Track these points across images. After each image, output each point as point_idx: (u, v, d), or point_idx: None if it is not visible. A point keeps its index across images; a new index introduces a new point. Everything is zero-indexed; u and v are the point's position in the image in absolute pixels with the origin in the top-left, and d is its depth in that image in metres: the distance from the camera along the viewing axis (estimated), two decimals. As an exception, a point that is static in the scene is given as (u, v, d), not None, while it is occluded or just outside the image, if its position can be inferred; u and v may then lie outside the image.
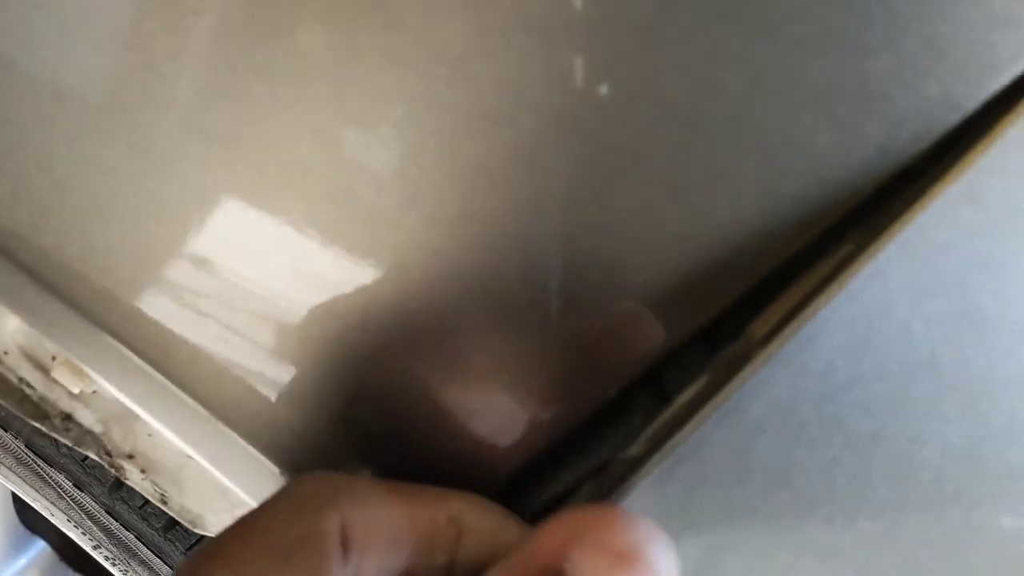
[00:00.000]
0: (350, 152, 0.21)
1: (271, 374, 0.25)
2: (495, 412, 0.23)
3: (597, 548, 0.17)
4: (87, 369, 0.26)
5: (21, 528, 0.77)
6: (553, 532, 0.18)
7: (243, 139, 0.22)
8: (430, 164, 0.21)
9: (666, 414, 0.21)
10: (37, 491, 0.49)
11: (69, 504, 0.49)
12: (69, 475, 0.47)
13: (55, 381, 0.29)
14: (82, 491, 0.47)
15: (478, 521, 0.22)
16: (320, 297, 0.23)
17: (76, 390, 0.28)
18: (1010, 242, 0.18)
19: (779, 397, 0.20)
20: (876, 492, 0.21)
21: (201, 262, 0.24)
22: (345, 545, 0.20)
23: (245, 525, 0.20)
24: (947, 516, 0.21)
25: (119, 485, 0.46)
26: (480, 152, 0.20)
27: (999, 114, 0.18)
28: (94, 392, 0.30)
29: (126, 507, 0.47)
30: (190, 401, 0.26)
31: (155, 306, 0.25)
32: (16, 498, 0.71)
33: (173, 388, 0.26)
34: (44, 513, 0.51)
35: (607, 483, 0.22)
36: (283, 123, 0.21)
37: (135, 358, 0.26)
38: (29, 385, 0.31)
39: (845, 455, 0.20)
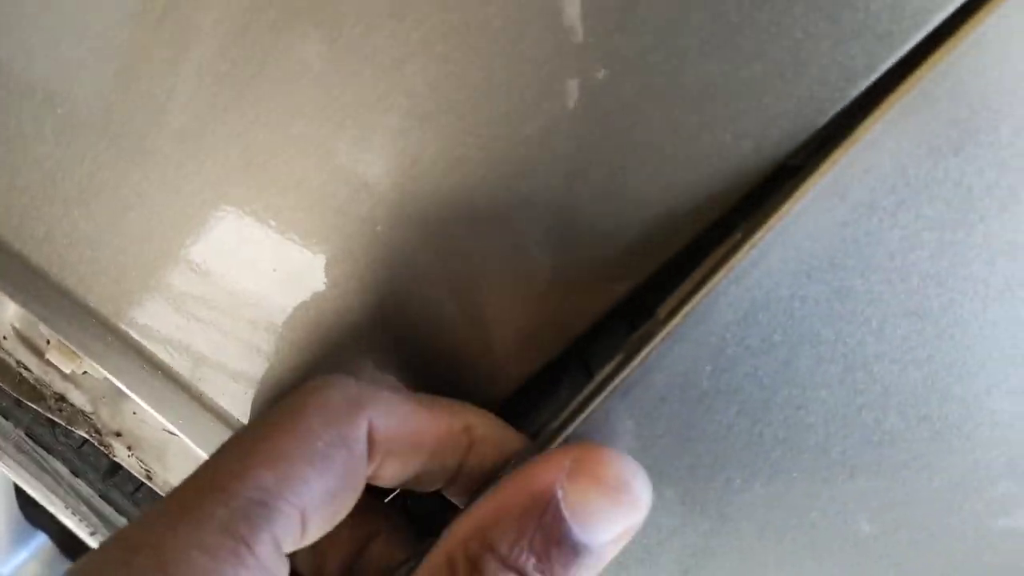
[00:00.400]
0: (344, 161, 0.23)
1: (257, 369, 0.28)
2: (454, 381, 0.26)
3: (588, 478, 0.19)
4: (77, 350, 0.28)
5: (23, 522, 0.79)
6: (549, 462, 0.19)
7: (239, 147, 0.24)
8: (423, 174, 0.23)
9: (586, 388, 0.24)
10: (36, 478, 0.52)
11: (67, 491, 0.52)
12: (66, 462, 0.50)
13: (49, 363, 0.32)
14: (78, 477, 0.49)
15: (488, 431, 0.23)
16: (311, 301, 0.26)
17: (68, 370, 0.31)
18: (871, 229, 0.21)
19: (679, 370, 0.22)
20: (769, 456, 0.23)
21: (195, 267, 0.26)
22: (370, 447, 0.21)
23: (280, 428, 0.20)
24: (833, 479, 0.23)
25: (112, 472, 0.48)
26: (472, 165, 0.23)
27: (860, 117, 0.20)
28: (84, 373, 0.32)
29: (119, 493, 0.50)
30: (173, 378, 0.29)
31: (148, 309, 0.27)
32: (18, 493, 0.74)
33: (158, 367, 0.29)
34: (43, 501, 0.54)
35: (535, 449, 0.24)
36: (278, 132, 0.23)
37: (122, 338, 0.28)
38: (25, 368, 0.34)
39: (739, 421, 0.23)
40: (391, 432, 0.22)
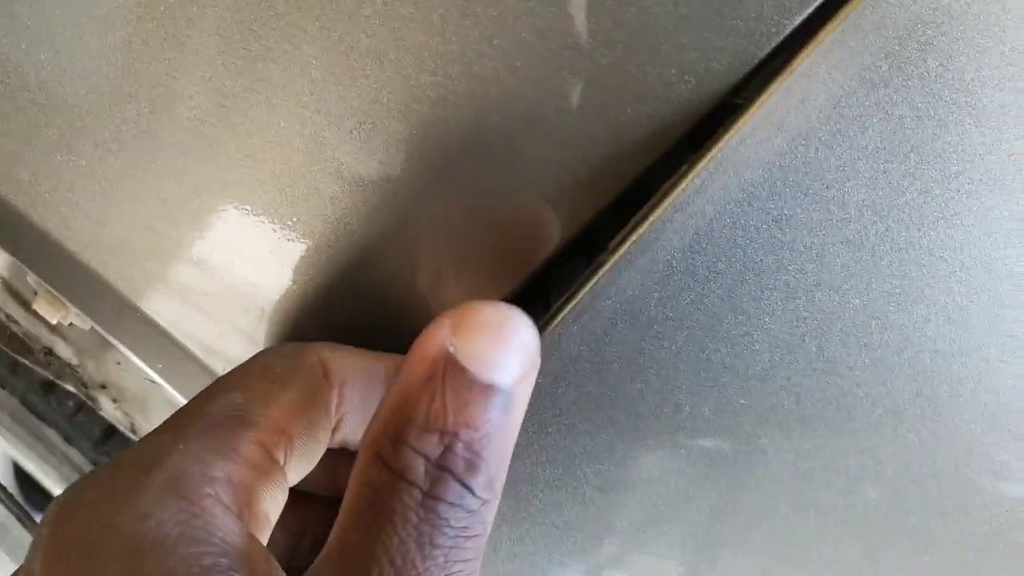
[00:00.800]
0: (331, 138, 0.24)
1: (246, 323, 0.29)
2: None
3: (471, 327, 0.20)
4: (61, 296, 0.30)
5: (25, 504, 0.81)
6: (430, 331, 0.20)
7: (224, 129, 0.25)
8: (421, 171, 0.24)
9: (545, 316, 0.25)
10: (30, 448, 0.53)
11: (60, 460, 0.53)
12: (59, 430, 0.51)
13: (36, 315, 0.33)
14: (71, 445, 0.51)
15: None
16: (296, 273, 0.27)
17: (54, 321, 0.32)
18: (808, 159, 0.22)
19: (627, 296, 0.23)
20: (717, 382, 0.24)
21: (185, 246, 0.27)
22: (326, 376, 0.23)
23: (241, 367, 0.23)
24: (780, 405, 0.24)
25: (104, 439, 0.50)
26: (468, 163, 0.24)
27: (792, 53, 0.21)
28: (71, 325, 0.33)
29: (110, 460, 0.51)
30: (154, 326, 0.30)
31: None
32: (18, 475, 0.75)
33: (141, 313, 0.30)
34: (37, 474, 0.55)
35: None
36: (260, 115, 0.24)
37: (105, 285, 0.29)
38: (14, 321, 0.35)
39: (687, 348, 0.24)
40: (342, 362, 0.24)
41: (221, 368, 0.30)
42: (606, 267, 0.23)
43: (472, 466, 0.19)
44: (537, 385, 0.24)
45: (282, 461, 0.21)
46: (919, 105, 0.22)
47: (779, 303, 0.23)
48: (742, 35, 0.22)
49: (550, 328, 0.24)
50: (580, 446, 0.25)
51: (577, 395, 0.24)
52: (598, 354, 0.24)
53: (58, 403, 0.51)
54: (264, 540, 0.20)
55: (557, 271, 0.26)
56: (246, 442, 0.20)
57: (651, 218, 0.23)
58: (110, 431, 0.49)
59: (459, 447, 0.19)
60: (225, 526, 0.18)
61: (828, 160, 0.22)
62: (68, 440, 0.53)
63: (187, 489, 0.18)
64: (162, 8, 0.24)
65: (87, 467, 0.53)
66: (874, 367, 0.24)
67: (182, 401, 0.32)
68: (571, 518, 0.27)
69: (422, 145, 0.24)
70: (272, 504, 0.20)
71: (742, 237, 0.23)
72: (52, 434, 0.52)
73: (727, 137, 0.22)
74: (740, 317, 0.23)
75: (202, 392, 0.22)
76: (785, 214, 0.22)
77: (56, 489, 0.56)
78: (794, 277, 0.23)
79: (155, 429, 0.21)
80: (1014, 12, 0.21)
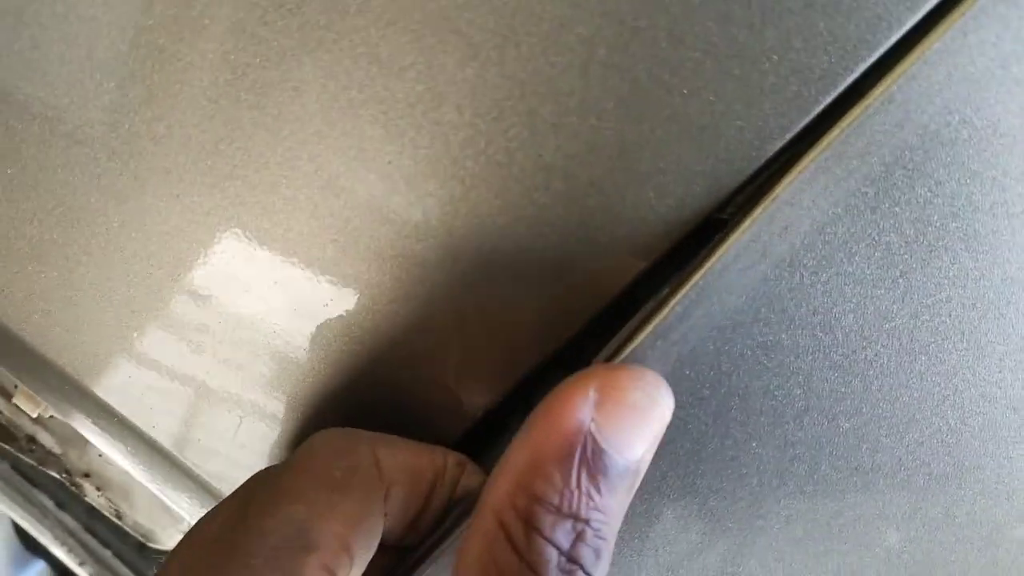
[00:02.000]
0: (350, 186, 0.23)
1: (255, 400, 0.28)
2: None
3: (617, 405, 0.18)
4: (37, 397, 0.29)
5: (21, 550, 0.81)
6: (572, 398, 0.18)
7: (242, 173, 0.24)
8: (430, 200, 0.23)
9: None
10: (25, 511, 0.53)
11: (53, 523, 0.53)
12: (51, 495, 0.51)
13: (17, 407, 0.33)
14: (63, 510, 0.50)
15: (472, 467, 0.24)
16: (319, 330, 0.26)
17: (34, 414, 0.31)
18: (793, 286, 0.21)
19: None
20: (704, 506, 0.23)
21: (161, 349, 0.27)
22: (380, 477, 0.22)
23: (297, 467, 0.21)
24: (768, 529, 0.24)
25: (95, 508, 0.49)
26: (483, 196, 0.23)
27: (775, 178, 0.21)
28: (51, 417, 0.33)
29: (103, 525, 0.51)
30: (129, 426, 0.30)
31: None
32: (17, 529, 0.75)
33: (118, 416, 0.30)
34: (33, 532, 0.55)
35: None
36: (283, 157, 0.23)
37: (79, 387, 0.29)
38: None
39: (673, 471, 0.23)
40: (394, 461, 0.23)
41: (203, 471, 0.30)
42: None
43: (599, 555, 0.18)
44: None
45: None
46: (907, 231, 0.21)
47: (766, 427, 0.23)
48: (721, 159, 0.21)
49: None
50: None
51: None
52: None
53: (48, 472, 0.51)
54: None
55: (539, 380, 0.25)
56: (312, 569, 0.19)
57: (631, 346, 0.22)
58: None
59: (589, 535, 0.18)
60: None
61: (814, 287, 0.21)
62: (60, 505, 0.52)
63: None
64: (127, 126, 0.24)
65: (80, 532, 0.53)
66: (866, 489, 0.23)
67: (163, 498, 0.32)
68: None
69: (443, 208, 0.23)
70: None
71: (727, 363, 0.22)
72: (45, 499, 0.52)
73: (709, 263, 0.21)
74: (727, 442, 0.23)
75: (262, 499, 0.21)
76: (771, 340, 0.22)
77: (52, 547, 0.56)
78: (781, 402, 0.22)
79: (214, 541, 0.20)
80: (1006, 137, 0.20)
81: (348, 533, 0.20)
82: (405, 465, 0.23)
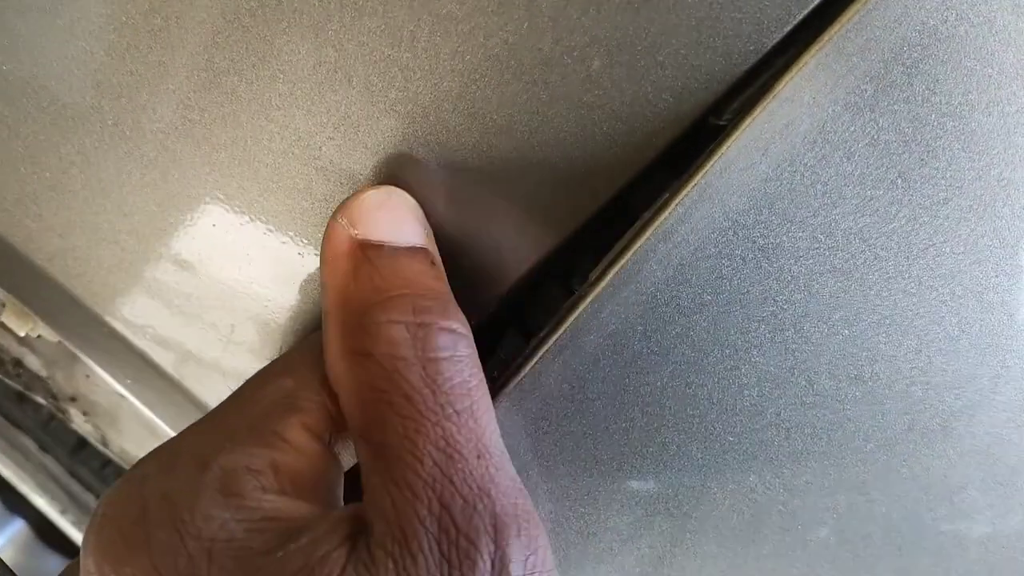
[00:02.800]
0: (300, 153, 0.23)
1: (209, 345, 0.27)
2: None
3: (366, 211, 0.21)
4: (28, 310, 0.28)
5: (1, 508, 0.79)
6: (334, 230, 0.21)
7: (227, 142, 0.24)
8: (362, 168, 0.23)
9: (526, 351, 0.24)
10: (6, 455, 0.52)
11: (36, 467, 0.52)
12: (34, 437, 0.50)
13: (3, 326, 0.32)
14: (46, 452, 0.49)
15: None
16: (301, 298, 0.26)
17: (22, 333, 0.30)
18: (794, 185, 0.21)
19: (610, 330, 0.22)
20: (704, 419, 0.23)
21: (151, 258, 0.26)
22: None
23: (296, 350, 0.23)
24: (770, 441, 0.23)
25: (79, 448, 0.49)
26: (414, 162, 0.23)
27: (775, 76, 0.21)
28: (39, 337, 0.32)
29: (86, 469, 0.50)
30: (121, 339, 0.28)
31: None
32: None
33: (108, 327, 0.28)
34: (13, 480, 0.54)
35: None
36: (267, 127, 0.23)
37: (72, 298, 0.28)
38: None
39: (673, 383, 0.23)
40: None
41: (192, 382, 0.29)
42: (587, 300, 0.22)
43: (445, 311, 0.20)
44: (516, 425, 0.23)
45: (330, 442, 0.21)
46: (906, 130, 0.21)
47: (766, 335, 0.22)
48: (719, 53, 0.21)
49: (530, 365, 0.23)
50: (561, 488, 0.24)
51: (559, 435, 0.23)
52: (580, 391, 0.23)
53: (33, 410, 0.50)
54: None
55: (531, 296, 0.25)
56: (291, 428, 0.20)
57: (633, 248, 0.22)
58: (84, 440, 0.47)
59: (426, 302, 0.20)
60: (275, 512, 0.18)
61: (814, 186, 0.21)
62: (43, 448, 0.51)
63: (236, 484, 0.18)
64: (125, 19, 0.23)
65: (63, 476, 0.51)
66: (865, 400, 0.23)
67: (151, 416, 0.31)
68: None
69: (392, 162, 0.23)
70: (326, 482, 0.20)
71: (727, 267, 0.22)
72: (27, 442, 0.50)
73: (710, 163, 0.21)
74: (727, 350, 0.22)
75: (258, 374, 0.22)
76: (771, 243, 0.22)
77: (33, 495, 0.54)
78: (781, 308, 0.22)
79: (208, 416, 0.21)
80: (1001, 34, 0.20)
81: (334, 402, 0.21)
82: None
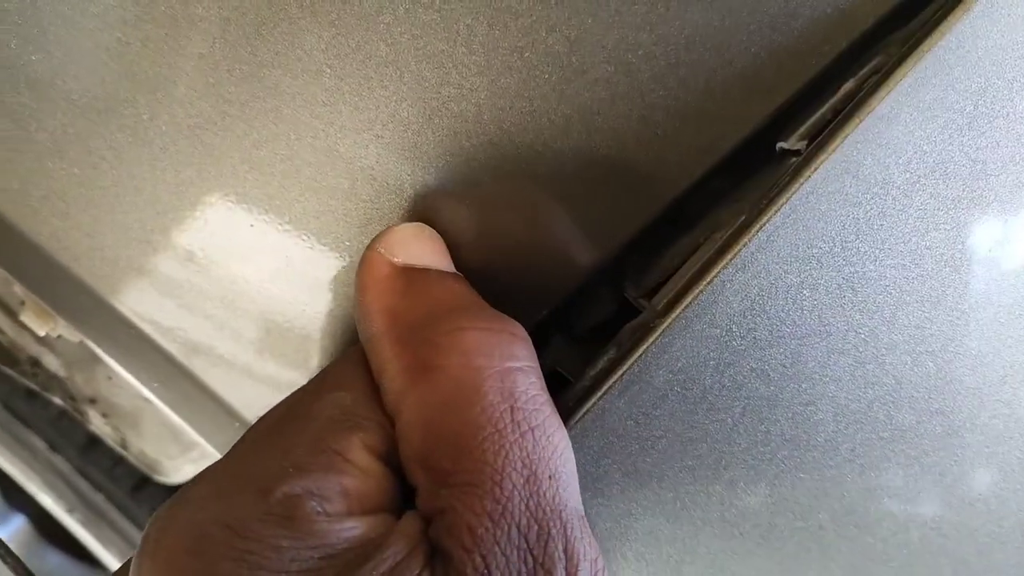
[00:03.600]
0: (345, 152, 0.22)
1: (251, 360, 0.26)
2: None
3: (394, 241, 0.21)
4: (50, 309, 0.26)
5: (2, 504, 0.78)
6: (372, 265, 0.21)
7: (268, 138, 0.22)
8: (440, 189, 0.21)
9: (576, 387, 0.22)
10: (14, 453, 0.50)
11: (43, 465, 0.51)
12: (43, 436, 0.48)
13: (23, 325, 0.30)
14: (55, 452, 0.48)
15: None
16: (338, 304, 0.24)
17: (42, 333, 0.28)
18: (885, 210, 0.19)
19: (680, 365, 0.21)
20: (775, 456, 0.22)
21: (183, 258, 0.24)
22: None
23: (348, 357, 0.21)
24: (843, 477, 0.22)
25: (89, 447, 0.47)
26: (466, 161, 0.21)
27: (870, 91, 0.19)
28: (59, 336, 0.30)
29: (96, 468, 0.48)
30: (148, 341, 0.26)
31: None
32: (-2, 475, 0.70)
33: (135, 330, 0.26)
34: (20, 478, 0.52)
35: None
36: (311, 123, 0.21)
37: (96, 299, 0.26)
38: (1, 331, 0.31)
39: (744, 420, 0.21)
40: None
41: (223, 388, 0.27)
42: (657, 332, 0.20)
43: (510, 322, 0.20)
44: (578, 463, 0.21)
45: (388, 461, 0.20)
46: (1004, 149, 0.19)
47: (846, 369, 0.21)
48: (792, 54, 0.19)
49: (592, 400, 0.21)
50: (622, 527, 0.22)
51: (621, 474, 0.22)
52: (646, 429, 0.21)
53: (42, 407, 0.48)
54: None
55: (577, 296, 0.23)
56: (354, 448, 0.19)
57: (708, 276, 0.20)
58: (95, 438, 0.45)
59: (489, 312, 0.20)
60: (345, 537, 0.17)
61: (907, 211, 0.20)
62: (52, 447, 0.49)
63: (302, 511, 0.17)
64: (163, 7, 0.21)
65: (72, 475, 0.49)
66: (946, 435, 0.22)
67: (176, 420, 0.29)
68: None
69: (442, 162, 0.21)
70: (391, 501, 0.19)
71: (810, 298, 0.20)
72: (36, 440, 0.48)
73: (795, 185, 0.19)
74: (803, 385, 0.21)
75: (310, 387, 0.21)
76: (858, 271, 0.20)
77: (39, 494, 0.52)
78: (864, 340, 0.21)
79: (262, 433, 0.20)
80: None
81: (391, 422, 0.20)
82: None
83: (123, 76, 0.22)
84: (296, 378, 0.26)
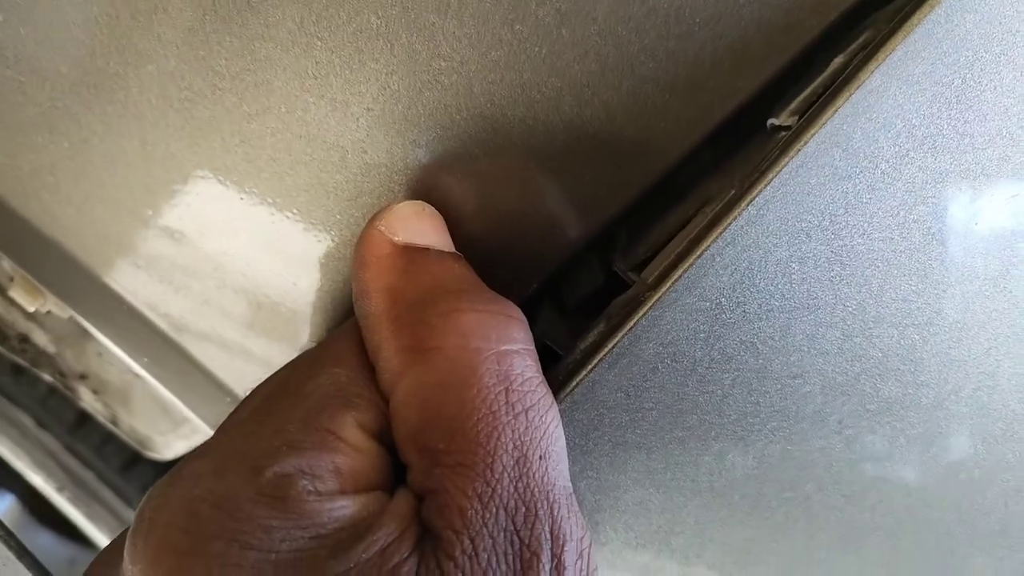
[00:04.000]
0: (336, 125, 0.22)
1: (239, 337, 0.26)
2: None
3: (401, 220, 0.21)
4: (39, 285, 0.26)
5: None
6: (372, 239, 0.20)
7: (259, 111, 0.22)
8: (430, 162, 0.21)
9: (566, 360, 0.22)
10: (2, 431, 0.50)
11: (32, 444, 0.50)
12: (31, 414, 0.48)
13: (11, 301, 0.29)
14: (44, 429, 0.47)
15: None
16: (328, 280, 0.24)
17: (31, 309, 0.28)
18: (874, 183, 0.19)
19: (670, 338, 0.21)
20: (764, 427, 0.22)
21: (173, 233, 0.24)
22: None
23: (340, 336, 0.21)
24: (831, 448, 0.22)
25: (78, 425, 0.47)
26: (457, 135, 0.21)
27: (862, 63, 0.19)
28: (48, 312, 0.30)
29: (85, 446, 0.48)
30: (139, 317, 0.26)
31: (125, 279, 0.25)
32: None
33: (126, 304, 0.26)
34: (9, 456, 0.52)
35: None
36: (302, 96, 0.21)
37: (87, 275, 0.26)
38: None
39: (734, 392, 0.21)
40: None
41: (213, 363, 0.27)
42: (647, 306, 0.20)
43: (508, 304, 0.20)
44: (567, 436, 0.22)
45: (380, 439, 0.20)
46: (991, 123, 0.19)
47: (835, 342, 0.21)
48: (781, 28, 0.19)
49: (583, 373, 0.21)
50: (611, 499, 0.23)
51: (611, 446, 0.22)
52: (636, 401, 0.21)
53: (30, 385, 0.48)
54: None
55: (568, 270, 0.23)
56: (347, 426, 0.19)
57: (698, 250, 0.20)
58: (84, 416, 0.45)
59: (488, 294, 0.20)
60: (336, 516, 0.17)
61: (895, 184, 0.20)
62: (41, 424, 0.49)
63: (294, 490, 0.17)
64: None
65: (61, 453, 0.49)
66: (934, 407, 0.22)
67: (168, 396, 0.29)
68: None
69: (432, 135, 0.21)
70: (383, 479, 0.19)
71: (799, 271, 0.20)
72: (25, 418, 0.48)
73: (785, 159, 0.19)
74: (792, 357, 0.21)
75: (305, 362, 0.21)
76: (847, 245, 0.20)
77: (28, 472, 0.52)
78: (852, 313, 0.21)
79: (256, 409, 0.20)
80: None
81: (385, 400, 0.20)
82: None
83: (113, 50, 0.21)
84: (286, 352, 0.26)
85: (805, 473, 0.23)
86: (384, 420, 0.20)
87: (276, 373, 0.21)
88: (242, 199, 0.23)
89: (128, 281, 0.25)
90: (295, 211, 0.23)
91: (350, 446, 0.18)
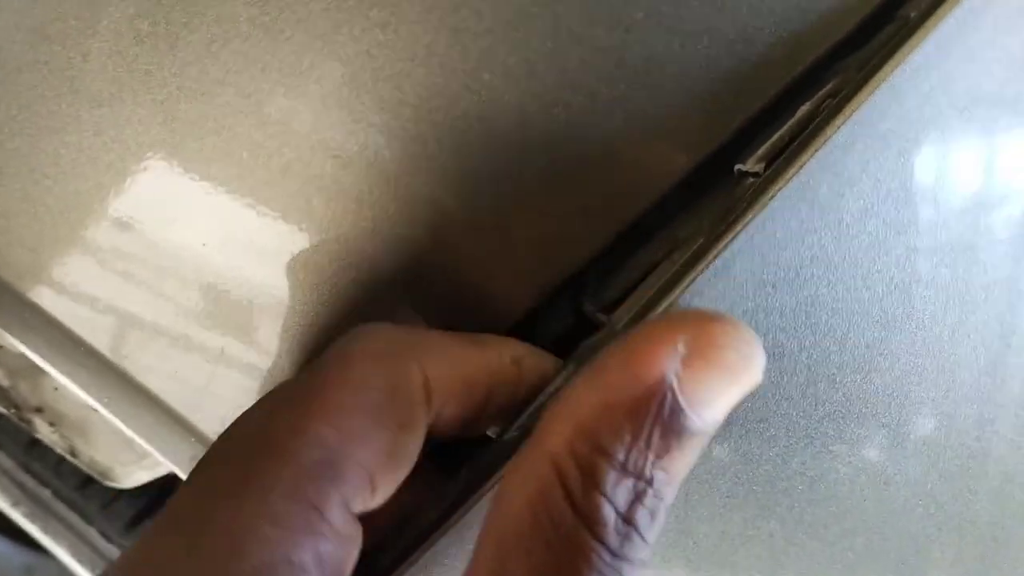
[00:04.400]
0: (278, 115, 0.21)
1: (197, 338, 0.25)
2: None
3: (707, 364, 0.16)
4: None
5: None
6: (657, 346, 0.16)
7: (170, 95, 0.21)
8: (357, 129, 0.21)
9: (536, 402, 0.22)
10: None
11: None
12: None
13: None
14: None
15: (536, 362, 0.22)
16: (249, 261, 0.23)
17: None
18: (839, 236, 0.20)
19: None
20: (727, 472, 0.22)
21: (124, 224, 0.23)
22: (427, 394, 0.20)
23: (332, 381, 0.19)
24: (792, 490, 0.23)
25: (34, 443, 0.46)
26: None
27: (827, 119, 0.19)
28: (0, 347, 0.29)
29: (40, 465, 0.47)
30: (93, 354, 0.26)
31: (66, 279, 0.24)
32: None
33: (77, 341, 0.26)
34: None
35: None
36: (212, 81, 0.21)
37: (38, 311, 0.25)
38: None
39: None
40: (446, 375, 0.20)
41: (173, 399, 0.26)
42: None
43: (654, 517, 0.16)
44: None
45: (364, 510, 0.19)
46: (964, 184, 0.20)
47: (798, 388, 0.21)
48: (749, 80, 0.19)
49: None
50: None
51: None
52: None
53: None
54: None
55: (538, 312, 0.23)
56: (334, 506, 0.17)
57: (666, 302, 0.20)
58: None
59: (649, 496, 0.16)
60: None
61: (859, 237, 0.20)
62: None
63: None
64: (106, 22, 0.20)
65: (15, 471, 0.48)
66: (892, 447, 0.22)
67: (126, 431, 0.28)
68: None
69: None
70: (351, 565, 0.18)
71: (764, 321, 0.20)
72: None
73: (752, 212, 0.19)
74: (757, 403, 0.21)
75: (285, 409, 0.19)
76: (812, 295, 0.20)
77: None
78: (816, 361, 0.21)
79: (235, 462, 0.18)
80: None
81: (376, 466, 0.18)
82: (458, 378, 0.20)
83: (64, 92, 0.21)
84: (245, 358, 0.25)
85: (767, 514, 0.23)
86: (372, 492, 0.18)
87: (252, 415, 0.19)
88: (197, 192, 0.22)
89: (80, 320, 0.25)
90: (254, 204, 0.22)
91: (333, 529, 0.17)
